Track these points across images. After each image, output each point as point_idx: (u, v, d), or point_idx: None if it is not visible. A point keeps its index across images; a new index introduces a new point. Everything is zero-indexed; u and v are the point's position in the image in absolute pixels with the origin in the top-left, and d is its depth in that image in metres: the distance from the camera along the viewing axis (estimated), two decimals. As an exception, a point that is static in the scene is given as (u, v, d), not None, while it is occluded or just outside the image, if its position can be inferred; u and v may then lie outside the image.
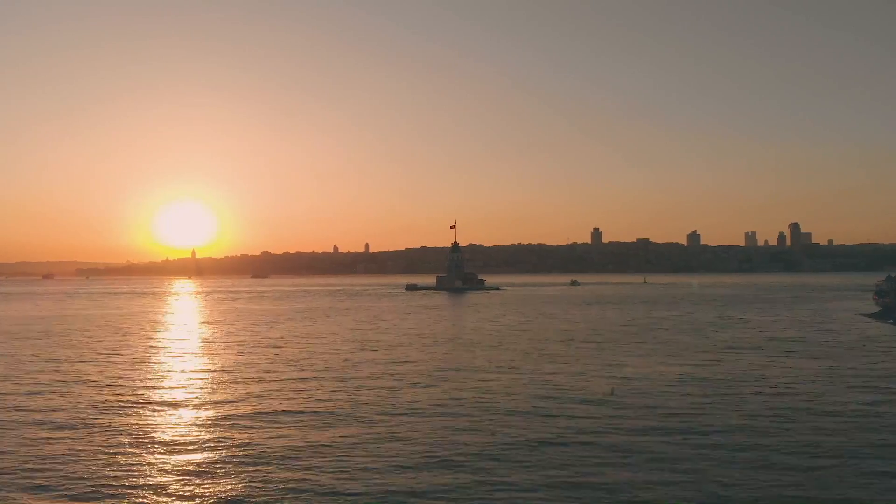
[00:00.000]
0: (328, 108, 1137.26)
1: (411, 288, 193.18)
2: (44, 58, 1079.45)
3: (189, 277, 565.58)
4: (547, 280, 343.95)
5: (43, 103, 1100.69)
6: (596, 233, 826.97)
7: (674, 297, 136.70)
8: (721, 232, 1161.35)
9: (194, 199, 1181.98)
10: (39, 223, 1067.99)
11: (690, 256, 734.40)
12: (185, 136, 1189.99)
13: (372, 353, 45.51)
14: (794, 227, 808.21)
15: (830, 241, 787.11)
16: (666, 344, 50.09)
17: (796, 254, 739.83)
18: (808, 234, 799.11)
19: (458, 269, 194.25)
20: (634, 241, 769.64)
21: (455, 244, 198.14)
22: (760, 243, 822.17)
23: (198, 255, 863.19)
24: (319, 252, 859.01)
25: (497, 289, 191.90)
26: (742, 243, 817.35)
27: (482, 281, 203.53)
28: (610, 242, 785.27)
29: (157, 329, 66.79)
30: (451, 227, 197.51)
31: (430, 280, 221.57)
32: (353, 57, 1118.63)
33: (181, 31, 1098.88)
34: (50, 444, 22.04)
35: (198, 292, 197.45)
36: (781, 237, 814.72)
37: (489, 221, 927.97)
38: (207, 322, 76.51)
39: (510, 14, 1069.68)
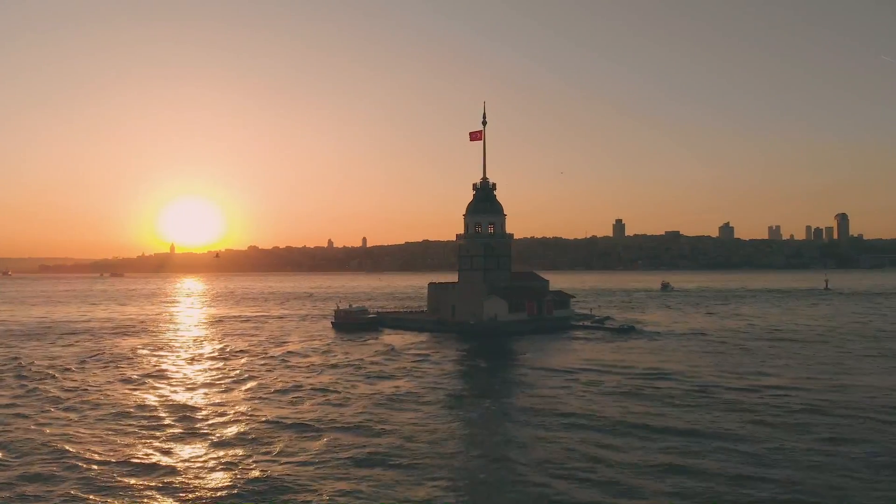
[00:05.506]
0: (325, 100, 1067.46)
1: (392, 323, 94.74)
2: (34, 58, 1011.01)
3: (142, 273, 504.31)
4: (593, 280, 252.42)
5: (33, 103, 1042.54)
6: (618, 225, 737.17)
7: None
8: (748, 225, 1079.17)
9: (186, 197, 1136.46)
10: (3, 218, 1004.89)
11: (730, 251, 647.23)
12: (178, 133, 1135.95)
13: None
14: (842, 218, 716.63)
15: (860, 236, 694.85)
16: None
17: (847, 248, 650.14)
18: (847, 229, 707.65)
19: (497, 260, 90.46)
20: (663, 233, 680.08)
21: (480, 197, 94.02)
22: (786, 236, 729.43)
23: (177, 251, 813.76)
24: (311, 247, 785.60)
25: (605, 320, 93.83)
26: (766, 236, 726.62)
27: (567, 299, 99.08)
28: (635, 236, 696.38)
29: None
30: (476, 135, 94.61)
31: (433, 278, 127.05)
32: (352, 51, 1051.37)
33: (173, 32, 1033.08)
34: None
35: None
36: (817, 232, 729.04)
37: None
38: None
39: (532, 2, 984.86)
